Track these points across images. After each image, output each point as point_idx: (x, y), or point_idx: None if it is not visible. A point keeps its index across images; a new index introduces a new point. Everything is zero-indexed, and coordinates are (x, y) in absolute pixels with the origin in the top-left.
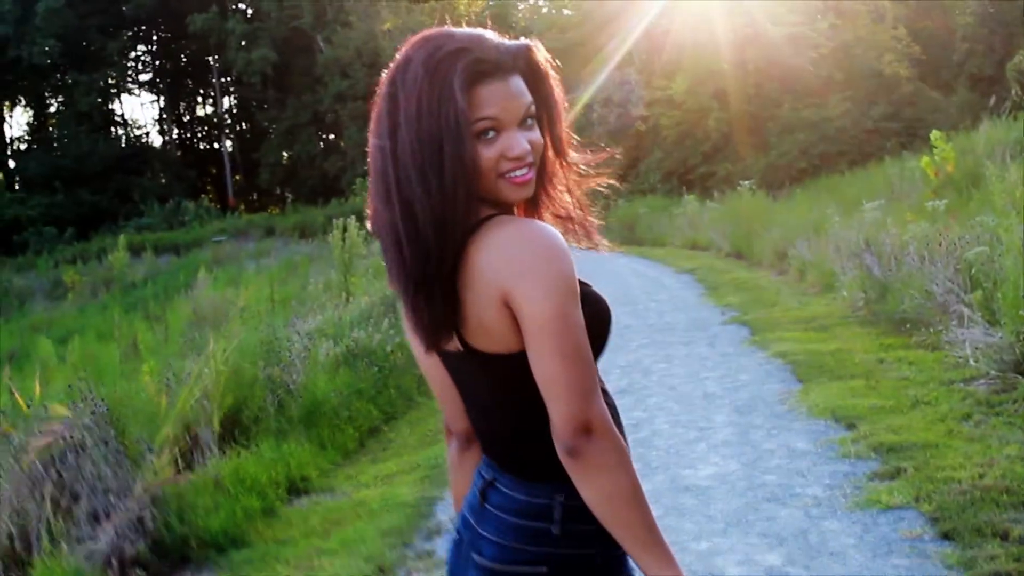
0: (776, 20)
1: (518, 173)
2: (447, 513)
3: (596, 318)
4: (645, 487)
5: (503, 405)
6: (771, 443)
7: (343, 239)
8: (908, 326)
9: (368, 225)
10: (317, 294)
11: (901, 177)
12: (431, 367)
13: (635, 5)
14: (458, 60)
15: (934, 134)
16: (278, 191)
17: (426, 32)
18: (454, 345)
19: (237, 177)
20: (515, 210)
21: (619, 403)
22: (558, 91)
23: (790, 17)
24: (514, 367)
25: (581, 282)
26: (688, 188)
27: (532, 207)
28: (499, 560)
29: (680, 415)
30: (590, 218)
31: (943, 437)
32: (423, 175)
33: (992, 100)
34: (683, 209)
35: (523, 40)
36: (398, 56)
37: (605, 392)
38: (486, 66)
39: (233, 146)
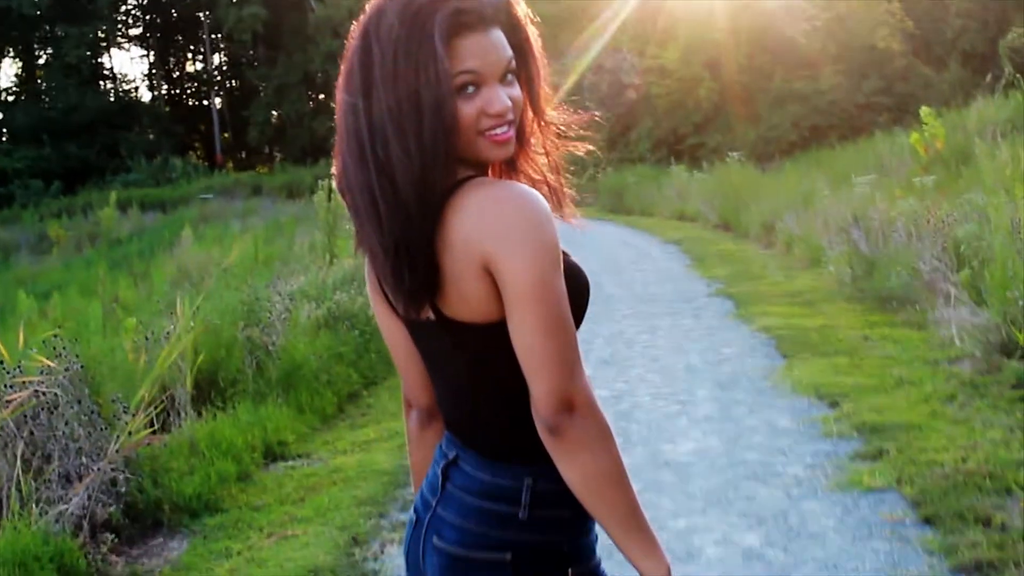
0: None
1: (499, 131)
2: None
3: (575, 290)
4: (625, 461)
5: (474, 378)
6: (753, 419)
7: (328, 199)
8: (894, 303)
9: (334, 184)
10: (302, 255)
11: (891, 152)
12: (394, 335)
13: None
14: (437, 10)
15: (924, 110)
16: (267, 150)
17: None
18: (425, 313)
19: (226, 135)
20: (489, 171)
21: (602, 374)
22: (538, 46)
23: None
24: (490, 338)
25: (563, 252)
26: (678, 158)
27: (508, 168)
28: (460, 544)
29: (662, 388)
30: (564, 185)
31: (926, 418)
32: (401, 133)
33: (988, 78)
34: (672, 179)
35: None
36: (369, 6)
37: None
38: (467, 17)
39: (222, 103)
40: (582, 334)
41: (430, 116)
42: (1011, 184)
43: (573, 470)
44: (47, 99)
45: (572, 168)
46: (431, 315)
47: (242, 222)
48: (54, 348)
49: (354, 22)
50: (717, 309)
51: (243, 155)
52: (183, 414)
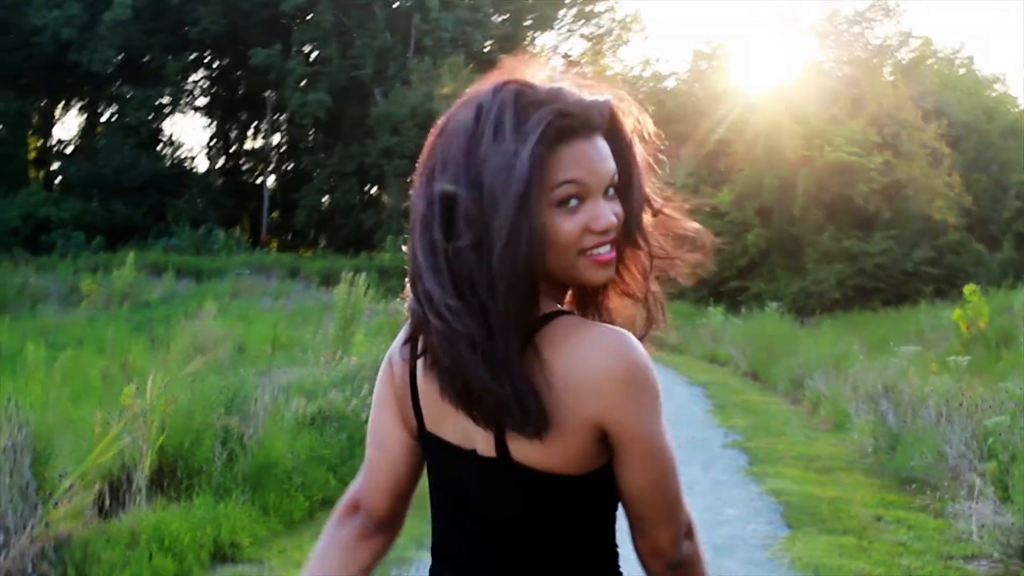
0: (834, 146)
1: (602, 251)
2: None
3: None
4: None
5: (543, 525)
6: None
7: (349, 293)
8: (914, 485)
9: (406, 297)
10: (322, 345)
11: (932, 325)
12: (390, 438)
13: (698, 105)
14: (541, 113)
15: (968, 287)
16: (312, 235)
17: (503, 77)
18: (484, 448)
19: (274, 214)
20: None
21: None
22: (641, 156)
23: (847, 147)
24: (575, 488)
25: None
26: (717, 300)
27: (597, 291)
28: None
29: None
30: (661, 306)
31: None
32: (490, 247)
33: None
34: (708, 320)
35: (605, 95)
36: (458, 105)
37: None
38: (572, 121)
39: (275, 183)
40: None
41: (524, 231)
42: None
43: None
44: (103, 155)
45: None
46: (491, 451)
47: (273, 302)
48: (5, 412)
49: (413, 122)
50: (729, 463)
51: (288, 236)
52: (136, 499)
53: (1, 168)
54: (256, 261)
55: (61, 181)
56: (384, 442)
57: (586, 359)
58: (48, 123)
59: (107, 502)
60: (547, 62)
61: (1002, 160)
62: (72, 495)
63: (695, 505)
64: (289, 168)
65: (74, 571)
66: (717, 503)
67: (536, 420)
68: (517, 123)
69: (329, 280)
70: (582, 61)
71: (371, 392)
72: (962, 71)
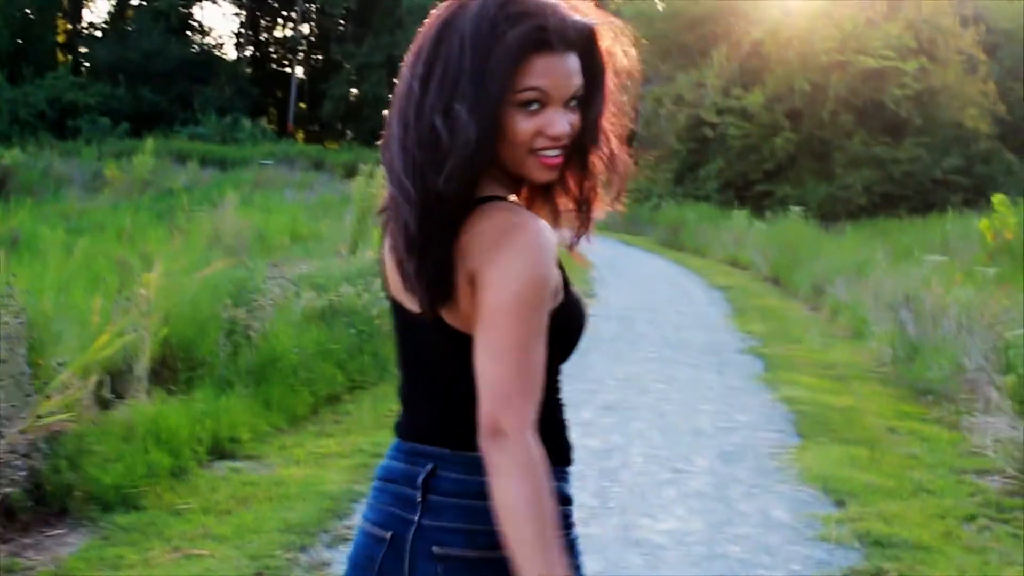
0: (867, 51)
1: (550, 153)
2: None
3: (565, 323)
4: (593, 530)
5: (465, 385)
6: (747, 504)
7: (367, 185)
8: (930, 397)
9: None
10: (338, 238)
11: (958, 235)
12: None
13: (734, 6)
14: (520, 21)
15: (997, 197)
16: (339, 126)
17: None
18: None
19: (302, 104)
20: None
21: (602, 421)
22: (611, 82)
23: (882, 51)
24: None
25: (565, 282)
26: (743, 203)
27: (544, 189)
28: (472, 547)
29: (660, 449)
30: (592, 217)
31: (939, 539)
32: (451, 131)
33: None
34: (731, 223)
35: (591, 19)
36: (454, 7)
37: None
38: (547, 35)
39: (303, 73)
40: (595, 371)
41: (483, 120)
42: None
43: (494, 491)
44: (131, 40)
45: (636, 195)
46: (438, 318)
47: (296, 194)
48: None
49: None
50: (744, 368)
51: (315, 128)
52: (136, 391)
53: (28, 51)
54: (281, 152)
55: (89, 66)
56: None
57: (486, 228)
58: (77, 6)
59: (106, 394)
60: None
61: None
62: (68, 387)
63: (707, 411)
64: (318, 58)
65: (66, 464)
66: (729, 409)
67: (429, 299)
68: (500, 29)
69: (353, 173)
70: None
71: (382, 287)
72: None
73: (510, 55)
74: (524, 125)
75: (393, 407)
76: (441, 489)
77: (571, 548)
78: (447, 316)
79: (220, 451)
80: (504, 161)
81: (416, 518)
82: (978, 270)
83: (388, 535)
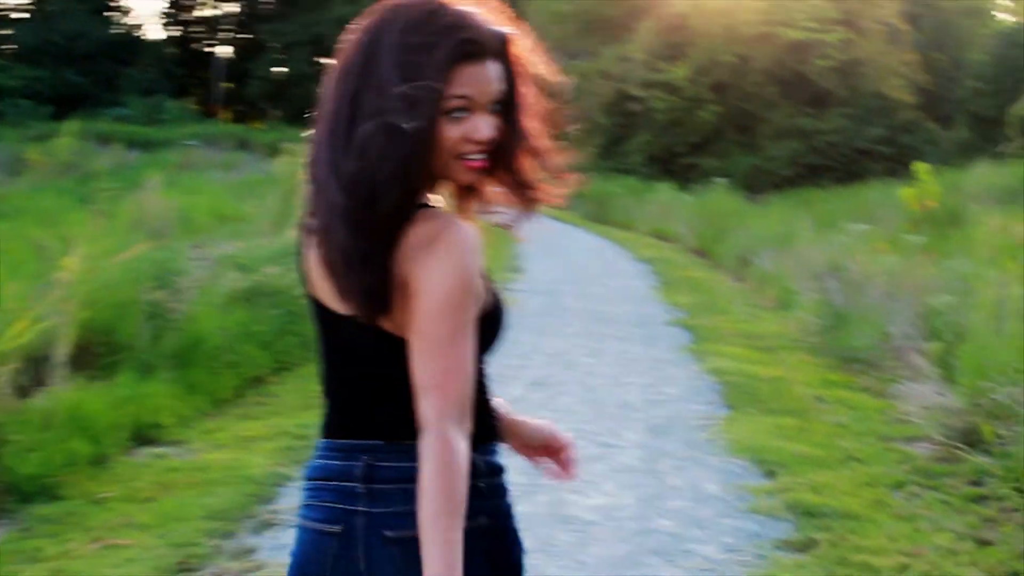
0: (791, 23)
1: (475, 157)
2: (290, 500)
3: (488, 320)
4: (523, 508)
5: (398, 381)
6: (677, 478)
7: (292, 163)
8: (857, 365)
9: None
10: (262, 218)
11: (882, 204)
12: None
13: None
14: (448, 35)
15: (919, 166)
16: (265, 106)
17: None
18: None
19: (227, 84)
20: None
21: (531, 396)
22: (528, 89)
23: (806, 23)
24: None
25: (489, 285)
26: (669, 176)
27: (469, 189)
28: None
29: (588, 424)
30: (531, 207)
31: (869, 507)
32: (389, 143)
33: (1003, 144)
34: (657, 196)
35: (508, 28)
36: (381, 8)
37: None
38: (472, 47)
39: (228, 53)
40: (522, 347)
41: (418, 134)
42: (1000, 256)
43: (419, 480)
44: (54, 22)
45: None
46: (371, 323)
47: (223, 174)
48: None
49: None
50: (671, 340)
51: (240, 108)
52: (55, 378)
53: None
54: (206, 132)
55: (11, 49)
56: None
57: (411, 234)
58: None
59: (24, 381)
60: None
61: (959, 39)
62: None
63: (635, 384)
64: (243, 38)
65: None
66: (657, 382)
67: (370, 309)
68: (429, 42)
69: (279, 151)
70: None
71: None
72: None
73: (441, 68)
74: (451, 132)
75: (318, 388)
76: (382, 477)
77: (507, 513)
78: (379, 320)
79: (143, 437)
80: (430, 166)
81: (363, 509)
82: (904, 238)
83: (338, 528)
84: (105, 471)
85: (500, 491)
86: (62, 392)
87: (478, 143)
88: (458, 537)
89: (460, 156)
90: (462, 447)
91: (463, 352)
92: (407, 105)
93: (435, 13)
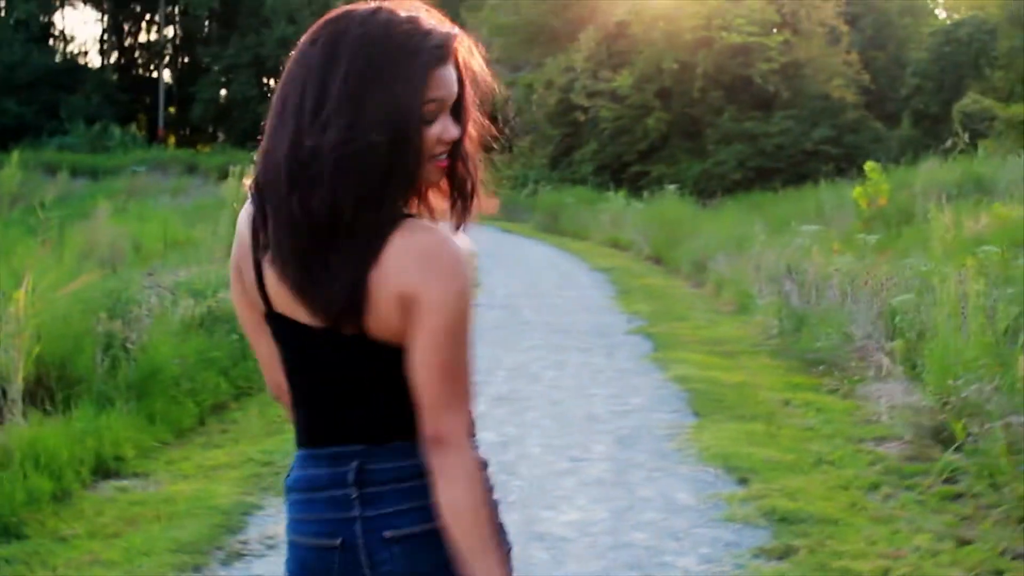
0: (732, 27)
1: (443, 157)
2: (259, 528)
3: None
4: None
5: (382, 385)
6: (649, 489)
7: (239, 188)
8: (821, 367)
9: (249, 180)
10: (214, 242)
11: (833, 204)
12: (257, 333)
13: None
14: (425, 38)
15: (868, 165)
16: (210, 129)
17: (367, 6)
18: (349, 329)
19: (171, 109)
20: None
21: (495, 412)
22: (469, 88)
23: (747, 27)
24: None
25: None
26: (619, 185)
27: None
28: (425, 521)
29: (556, 438)
30: (469, 211)
31: (845, 511)
32: (374, 154)
33: (948, 141)
34: (609, 205)
35: (454, 28)
36: (334, 16)
37: None
38: (443, 51)
39: (171, 77)
40: (483, 362)
41: (411, 143)
42: (956, 252)
43: (439, 496)
44: None
45: (513, 181)
46: (350, 331)
47: (172, 199)
48: None
49: (309, 10)
50: (633, 349)
51: (186, 132)
52: (13, 414)
53: None
54: (153, 158)
55: None
56: (255, 336)
57: (402, 245)
58: None
59: None
60: None
61: (899, 38)
62: None
63: (600, 395)
64: (185, 61)
65: None
66: (622, 392)
67: (346, 316)
68: (408, 50)
69: (227, 175)
70: None
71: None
72: None
73: (421, 75)
74: (428, 136)
75: (280, 413)
76: (375, 480)
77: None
78: (370, 328)
79: (105, 471)
80: (416, 172)
81: (358, 514)
82: (858, 237)
83: (338, 541)
84: (68, 507)
85: (488, 487)
86: (19, 428)
87: (446, 143)
88: (497, 559)
89: (432, 158)
90: (482, 462)
91: (468, 367)
92: (392, 115)
93: (391, 22)
